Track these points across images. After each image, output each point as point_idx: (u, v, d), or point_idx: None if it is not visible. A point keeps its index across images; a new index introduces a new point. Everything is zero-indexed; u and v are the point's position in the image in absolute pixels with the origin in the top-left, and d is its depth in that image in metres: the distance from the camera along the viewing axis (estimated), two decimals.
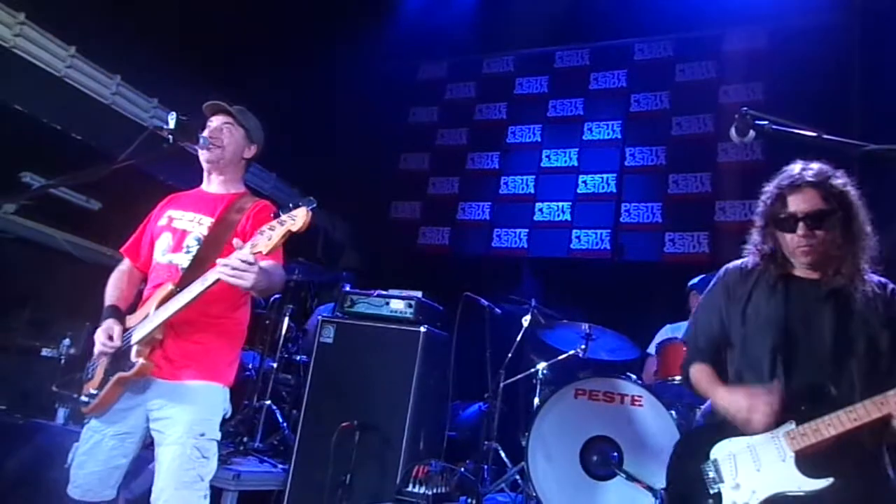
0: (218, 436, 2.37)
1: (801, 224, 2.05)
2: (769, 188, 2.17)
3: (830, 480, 1.85)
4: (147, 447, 2.36)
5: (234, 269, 2.02)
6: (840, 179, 2.08)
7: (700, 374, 2.23)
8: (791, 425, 1.93)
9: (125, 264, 2.66)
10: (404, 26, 7.24)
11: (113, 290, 2.54)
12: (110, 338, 2.33)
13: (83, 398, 2.35)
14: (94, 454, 2.32)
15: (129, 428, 2.34)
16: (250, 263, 2.01)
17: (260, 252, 2.02)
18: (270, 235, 2.00)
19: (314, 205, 2.02)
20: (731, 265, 2.31)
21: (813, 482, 1.87)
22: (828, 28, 5.73)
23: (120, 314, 2.44)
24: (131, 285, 2.58)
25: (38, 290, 4.47)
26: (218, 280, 2.08)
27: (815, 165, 2.10)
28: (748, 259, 2.24)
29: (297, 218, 1.99)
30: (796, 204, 2.07)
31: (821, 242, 2.05)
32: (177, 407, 2.28)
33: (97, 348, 2.36)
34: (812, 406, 1.91)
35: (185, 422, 2.27)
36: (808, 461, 1.89)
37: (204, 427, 2.30)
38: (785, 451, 1.93)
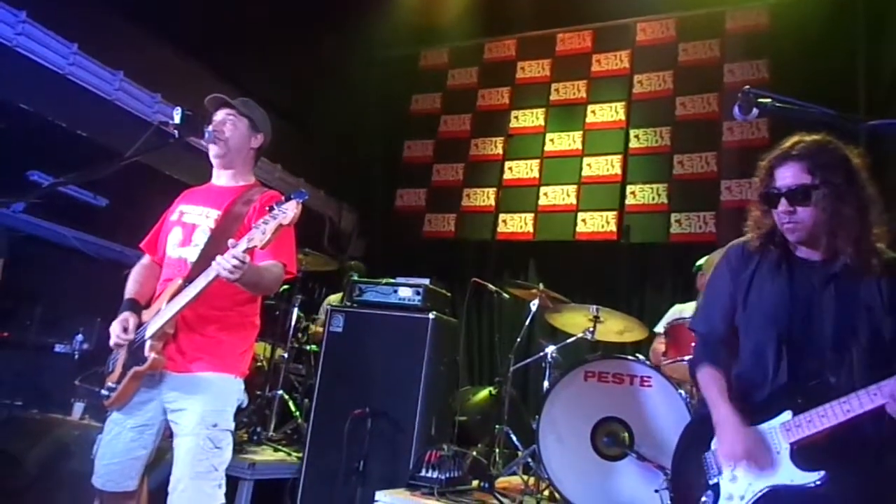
0: (231, 426, 2.41)
1: (783, 200, 1.98)
2: (763, 162, 2.09)
3: (821, 473, 1.80)
4: (168, 437, 2.40)
5: (229, 265, 2.07)
6: (836, 151, 1.98)
7: (707, 379, 2.11)
8: (787, 416, 1.89)
9: (146, 259, 2.70)
10: (405, 13, 7.23)
11: (132, 284, 2.58)
12: (125, 330, 2.38)
13: (103, 392, 2.40)
14: (115, 446, 2.36)
15: (147, 420, 2.38)
16: (241, 262, 2.07)
17: (255, 246, 2.07)
18: (264, 230, 2.06)
19: (305, 197, 2.09)
20: (733, 245, 2.24)
21: (805, 475, 1.82)
22: (831, 1, 5.67)
23: (137, 307, 2.48)
24: (151, 279, 2.60)
25: (49, 287, 4.51)
26: (218, 275, 2.13)
27: (811, 137, 2.01)
28: (750, 237, 2.16)
29: (288, 211, 2.05)
30: (780, 179, 2.00)
31: (805, 219, 1.96)
32: (190, 399, 2.32)
33: (112, 340, 2.40)
34: (809, 396, 1.86)
35: (198, 413, 2.31)
36: (804, 453, 1.84)
37: (217, 418, 2.34)
38: (780, 443, 1.88)
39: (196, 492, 2.26)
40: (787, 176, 1.99)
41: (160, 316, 2.31)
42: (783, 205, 1.98)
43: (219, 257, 2.10)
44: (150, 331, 2.31)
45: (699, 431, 2.12)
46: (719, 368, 2.11)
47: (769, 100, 1.84)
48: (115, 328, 2.40)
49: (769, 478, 1.88)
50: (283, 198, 2.11)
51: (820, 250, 2.02)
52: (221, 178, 2.66)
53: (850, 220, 1.93)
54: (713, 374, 2.10)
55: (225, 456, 2.36)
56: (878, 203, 1.97)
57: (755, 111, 1.85)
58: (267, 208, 2.12)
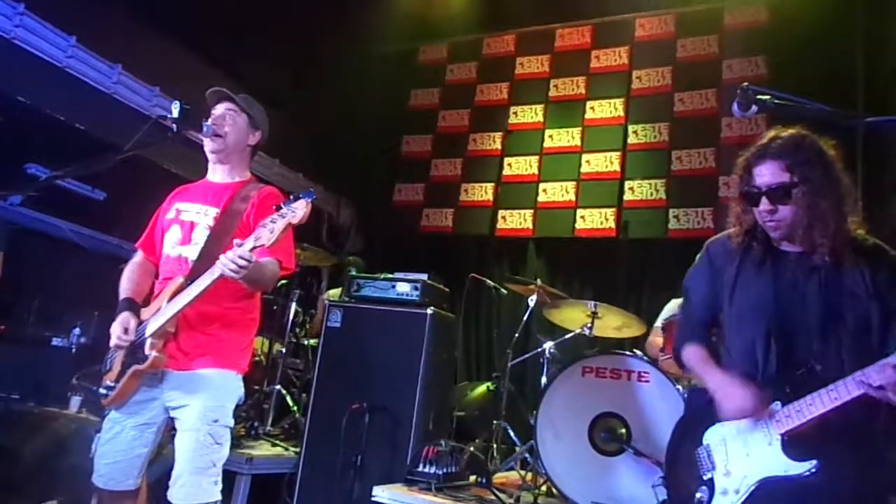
0: (231, 422, 2.41)
1: (763, 199, 1.99)
2: (741, 158, 2.10)
3: (814, 462, 1.80)
4: (169, 432, 2.41)
5: (234, 264, 2.07)
6: (813, 146, 2.00)
7: (693, 354, 2.17)
8: (777, 407, 1.89)
9: (139, 256, 2.68)
10: (404, 8, 7.21)
11: (127, 283, 2.56)
12: (126, 331, 2.37)
13: (102, 390, 2.39)
14: (115, 445, 2.37)
15: (148, 419, 2.38)
16: (248, 261, 2.07)
17: (263, 245, 2.06)
18: (272, 228, 2.04)
19: (313, 197, 2.08)
20: (713, 241, 2.25)
21: (797, 465, 1.82)
22: None
23: (135, 306, 2.47)
24: (146, 277, 2.60)
25: (46, 281, 4.51)
26: (223, 273, 2.12)
27: (787, 132, 2.03)
28: (731, 233, 2.17)
29: (298, 210, 2.04)
30: (759, 177, 2.01)
31: (786, 217, 1.98)
32: (191, 395, 2.33)
33: (112, 341, 2.39)
34: (797, 386, 1.86)
35: (199, 409, 2.31)
36: (795, 443, 1.84)
37: (217, 414, 2.35)
38: (771, 435, 1.88)
39: (194, 487, 2.26)
40: (766, 174, 2.00)
41: (161, 314, 2.31)
42: (764, 203, 2.00)
43: (224, 256, 2.09)
44: (150, 329, 2.31)
45: (689, 427, 2.13)
46: (701, 344, 2.16)
47: (768, 96, 1.84)
48: (115, 329, 2.39)
49: (763, 469, 1.89)
50: (281, 194, 2.10)
51: (802, 243, 2.03)
52: (217, 173, 2.65)
53: (827, 214, 1.95)
54: (696, 350, 2.16)
55: (224, 452, 2.37)
56: (853, 193, 2.00)
57: (754, 108, 1.85)
58: (275, 207, 2.10)
